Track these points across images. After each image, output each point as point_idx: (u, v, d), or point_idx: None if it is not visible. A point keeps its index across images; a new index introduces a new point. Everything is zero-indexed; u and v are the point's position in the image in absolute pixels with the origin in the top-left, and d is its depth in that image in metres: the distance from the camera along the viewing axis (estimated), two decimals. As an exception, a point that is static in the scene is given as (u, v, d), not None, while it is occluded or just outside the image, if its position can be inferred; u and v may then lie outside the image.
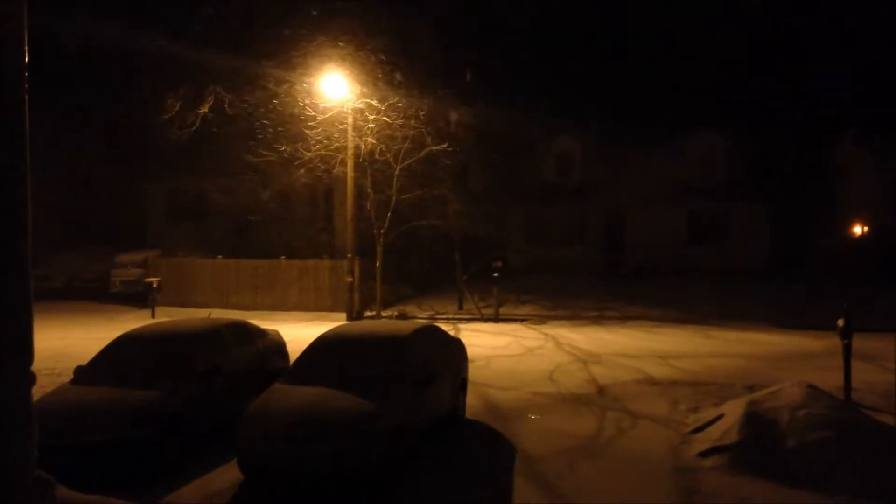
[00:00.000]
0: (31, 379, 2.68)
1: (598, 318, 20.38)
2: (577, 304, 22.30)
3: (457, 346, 11.19)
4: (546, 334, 17.95)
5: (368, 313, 21.48)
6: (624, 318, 20.24)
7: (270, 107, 22.11)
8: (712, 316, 19.94)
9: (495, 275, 20.38)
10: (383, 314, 21.10)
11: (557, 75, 28.72)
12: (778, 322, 18.80)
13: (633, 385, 12.20)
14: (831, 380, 10.94)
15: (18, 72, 2.57)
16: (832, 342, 12.27)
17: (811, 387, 9.26)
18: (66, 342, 16.37)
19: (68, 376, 9.62)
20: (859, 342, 11.20)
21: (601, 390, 11.85)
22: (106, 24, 22.97)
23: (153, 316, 20.71)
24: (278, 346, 11.84)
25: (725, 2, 30.52)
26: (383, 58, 20.82)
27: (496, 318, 20.22)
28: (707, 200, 29.16)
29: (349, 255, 21.17)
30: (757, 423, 8.53)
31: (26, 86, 2.58)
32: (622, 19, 30.07)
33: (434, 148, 20.97)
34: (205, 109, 22.67)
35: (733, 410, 9.10)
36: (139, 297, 23.64)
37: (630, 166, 29.86)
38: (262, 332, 11.62)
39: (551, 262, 28.60)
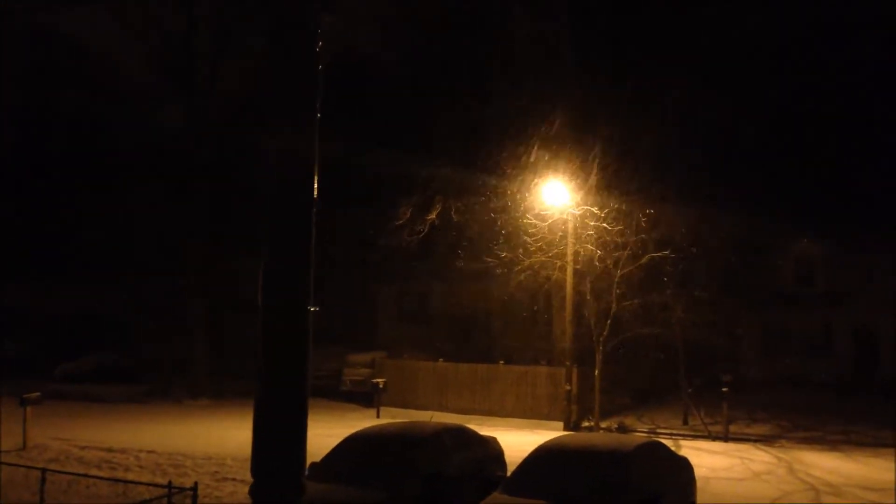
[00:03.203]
0: (301, 489, 2.91)
1: (844, 442, 18.14)
2: (820, 426, 20.05)
3: (684, 466, 10.49)
4: (779, 458, 16.25)
5: (586, 423, 20.83)
6: (873, 444, 17.81)
7: (492, 214, 22.97)
8: None
9: (724, 388, 18.99)
10: (602, 425, 20.36)
11: (797, 176, 27.05)
12: None
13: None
14: None
15: (309, 204, 2.91)
16: None
17: None
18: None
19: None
20: None
21: None
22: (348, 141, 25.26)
23: (378, 416, 21.57)
24: (496, 453, 11.79)
25: None
26: (604, 164, 20.99)
27: (725, 437, 18.70)
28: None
29: (567, 363, 20.88)
30: None
31: (314, 217, 2.90)
32: (864, 116, 27.93)
33: (655, 255, 20.46)
34: (433, 217, 24.10)
35: None
36: (366, 396, 24.81)
37: (883, 272, 27.08)
38: (481, 439, 11.67)
39: (790, 377, 26.22)
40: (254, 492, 2.88)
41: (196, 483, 9.86)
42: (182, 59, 28.40)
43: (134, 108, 31.70)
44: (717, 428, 19.15)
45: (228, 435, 17.49)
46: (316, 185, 2.95)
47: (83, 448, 16.06)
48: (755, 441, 18.54)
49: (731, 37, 24.10)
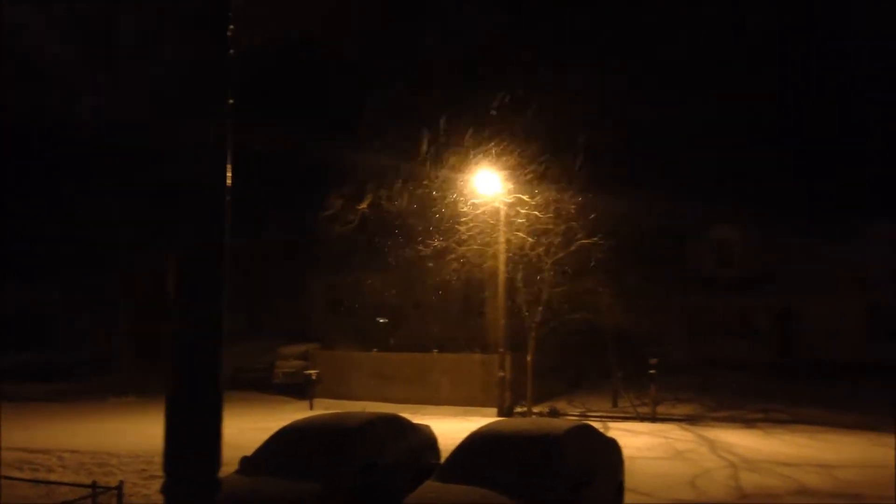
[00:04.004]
0: (216, 486, 2.84)
1: (762, 420, 18.94)
2: (741, 404, 20.88)
3: (612, 448, 10.75)
4: (701, 436, 16.87)
5: (519, 409, 21.13)
6: (790, 421, 18.66)
7: (424, 203, 22.97)
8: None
9: (652, 371, 19.55)
10: (534, 410, 20.68)
11: (717, 162, 27.89)
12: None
13: (787, 497, 11.27)
14: None
15: (222, 195, 2.84)
16: None
17: None
18: (230, 431, 17.17)
19: (233, 465, 10.05)
20: None
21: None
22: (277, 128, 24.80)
23: (311, 408, 21.39)
24: (430, 441, 11.84)
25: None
26: (534, 156, 21.19)
27: (652, 418, 19.27)
28: (890, 293, 26.91)
29: (500, 350, 21.11)
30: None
31: (229, 198, 2.84)
32: (787, 100, 28.94)
33: (585, 241, 20.83)
34: (364, 206, 23.95)
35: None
36: (299, 389, 24.54)
37: (799, 257, 28.25)
38: (415, 427, 11.70)
39: (713, 359, 27.16)
40: (167, 489, 2.80)
41: (122, 482, 9.60)
42: (101, 45, 27.40)
43: (53, 95, 30.36)
44: (645, 409, 19.69)
45: (155, 432, 16.78)
46: (230, 175, 2.88)
47: (1, 449, 15.40)
48: (680, 421, 19.16)
49: (663, 28, 24.71)
